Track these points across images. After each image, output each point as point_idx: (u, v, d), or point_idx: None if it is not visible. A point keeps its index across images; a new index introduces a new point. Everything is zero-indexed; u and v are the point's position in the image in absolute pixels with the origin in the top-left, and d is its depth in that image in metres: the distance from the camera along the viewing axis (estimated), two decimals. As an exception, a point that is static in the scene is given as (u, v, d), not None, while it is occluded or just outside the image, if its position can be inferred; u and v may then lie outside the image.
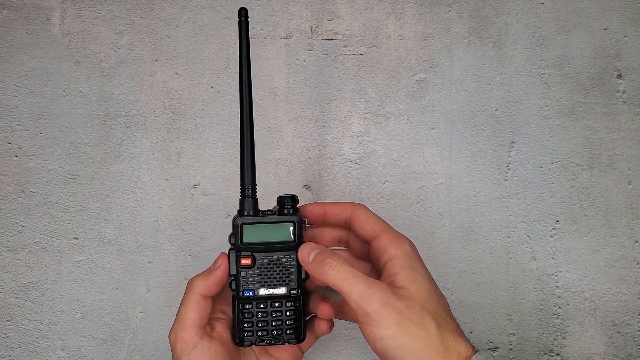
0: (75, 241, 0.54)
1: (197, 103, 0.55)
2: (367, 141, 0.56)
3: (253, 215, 0.43)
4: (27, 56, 0.55)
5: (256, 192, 0.44)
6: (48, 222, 0.54)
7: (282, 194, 0.44)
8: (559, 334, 0.54)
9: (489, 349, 0.55)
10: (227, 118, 0.55)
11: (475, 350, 0.39)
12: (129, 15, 0.55)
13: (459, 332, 0.40)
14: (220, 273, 0.42)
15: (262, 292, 0.43)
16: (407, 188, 0.55)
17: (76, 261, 0.54)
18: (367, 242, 0.45)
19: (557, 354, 0.54)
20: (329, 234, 0.48)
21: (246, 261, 0.43)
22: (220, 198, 0.55)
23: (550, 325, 0.55)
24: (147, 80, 0.55)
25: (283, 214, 0.43)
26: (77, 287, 0.54)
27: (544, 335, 0.54)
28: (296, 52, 0.56)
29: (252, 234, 0.43)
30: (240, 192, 0.43)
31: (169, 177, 0.55)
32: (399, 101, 0.56)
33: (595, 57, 0.56)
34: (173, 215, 0.54)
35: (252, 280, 0.43)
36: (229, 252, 0.43)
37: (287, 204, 0.43)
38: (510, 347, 0.54)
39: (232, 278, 0.43)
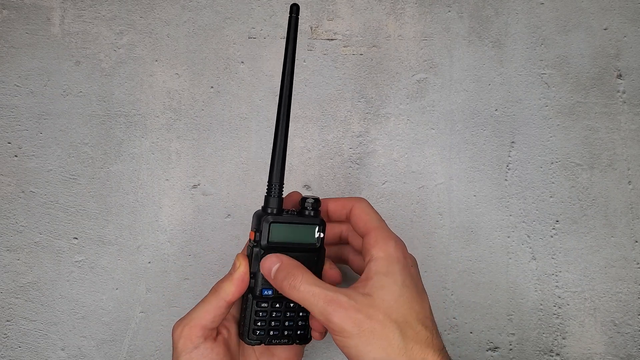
0: (75, 241, 0.54)
1: (197, 103, 0.55)
2: (367, 141, 0.56)
3: (277, 214, 0.42)
4: (27, 56, 0.55)
5: (282, 191, 0.43)
6: (48, 222, 0.54)
7: (305, 195, 0.44)
8: (559, 334, 0.54)
9: (489, 349, 0.55)
10: (227, 118, 0.55)
11: None
12: (129, 15, 0.55)
13: (428, 342, 0.39)
14: (245, 277, 0.42)
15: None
16: (407, 188, 0.55)
17: (76, 261, 0.54)
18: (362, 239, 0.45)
19: (557, 354, 0.54)
20: (329, 229, 0.47)
21: None
22: (220, 198, 0.55)
23: (550, 325, 0.55)
24: (147, 80, 0.55)
25: (304, 215, 0.43)
26: (77, 287, 0.54)
27: (544, 335, 0.54)
28: (296, 52, 0.56)
29: (279, 234, 0.42)
30: (267, 189, 0.43)
31: (169, 177, 0.55)
32: (399, 101, 0.56)
33: (595, 57, 0.56)
34: (173, 215, 0.54)
35: None
36: (250, 250, 0.43)
37: (309, 206, 0.43)
38: (510, 347, 0.54)
39: (251, 276, 0.42)
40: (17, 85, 0.55)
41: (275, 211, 0.42)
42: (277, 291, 0.42)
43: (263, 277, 0.42)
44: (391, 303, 0.39)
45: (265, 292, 0.42)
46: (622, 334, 0.54)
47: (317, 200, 0.43)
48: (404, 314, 0.39)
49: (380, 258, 0.41)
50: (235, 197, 0.55)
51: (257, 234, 0.42)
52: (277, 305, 0.43)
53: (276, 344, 0.43)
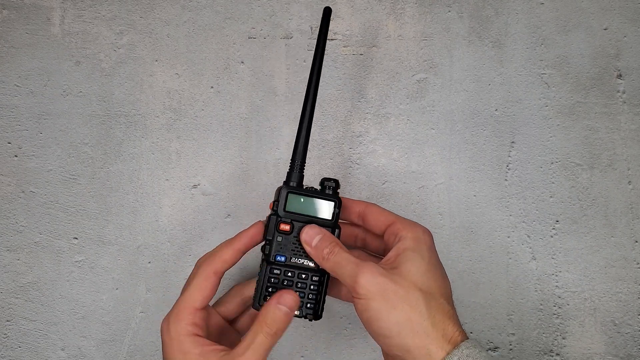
0: (75, 241, 0.54)
1: (197, 103, 0.55)
2: (367, 141, 0.56)
3: (297, 187, 0.45)
4: (27, 56, 0.55)
5: (304, 168, 0.45)
6: (48, 222, 0.54)
7: (325, 177, 0.46)
8: (559, 334, 0.54)
9: (489, 349, 0.55)
10: (227, 118, 0.55)
11: (465, 338, 0.39)
12: (129, 15, 0.56)
13: (450, 315, 0.40)
14: (253, 231, 0.44)
15: (293, 260, 0.44)
16: (407, 188, 0.55)
17: (76, 261, 0.54)
18: (381, 236, 0.46)
19: (557, 354, 0.54)
20: (347, 229, 0.49)
21: (285, 227, 0.44)
22: (220, 198, 0.55)
23: (550, 325, 0.55)
24: (147, 80, 0.55)
25: (323, 193, 0.45)
26: (77, 287, 0.54)
27: (544, 335, 0.54)
28: (296, 52, 0.56)
29: (296, 204, 0.44)
30: (290, 165, 0.45)
31: (169, 177, 0.55)
32: (399, 101, 0.56)
33: (595, 57, 0.56)
34: (173, 215, 0.54)
35: (286, 247, 0.44)
36: (267, 219, 0.45)
37: (329, 186, 0.45)
38: (510, 347, 0.54)
39: (266, 242, 0.44)
40: (17, 85, 0.55)
41: (295, 184, 0.45)
42: (290, 259, 0.44)
43: (279, 243, 0.44)
44: (416, 274, 0.40)
45: (279, 258, 0.44)
46: (622, 334, 0.54)
47: (335, 181, 0.45)
48: (428, 286, 0.40)
49: (409, 238, 0.42)
50: (235, 197, 0.55)
51: (275, 203, 0.44)
52: (289, 274, 0.44)
53: None
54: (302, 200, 0.44)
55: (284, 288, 0.44)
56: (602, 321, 0.55)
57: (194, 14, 0.56)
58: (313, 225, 0.44)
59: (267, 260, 0.44)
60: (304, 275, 0.44)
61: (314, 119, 0.55)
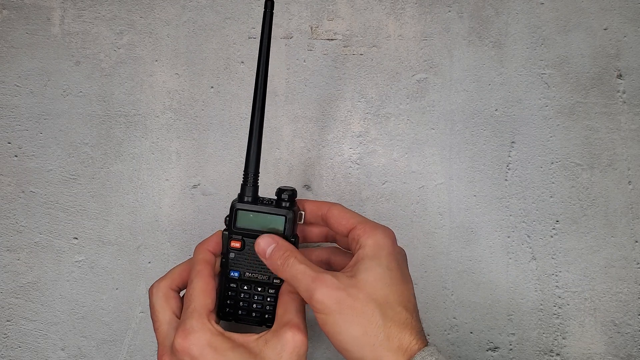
0: (75, 241, 0.54)
1: (197, 103, 0.55)
2: (367, 141, 0.56)
3: (251, 202, 0.44)
4: (27, 56, 0.55)
5: (258, 179, 0.44)
6: (48, 222, 0.54)
7: (282, 186, 0.45)
8: (559, 334, 0.54)
9: (489, 349, 0.55)
10: (227, 118, 0.55)
11: (424, 345, 0.39)
12: (129, 15, 0.56)
13: (407, 323, 0.40)
14: (215, 237, 0.45)
15: (247, 275, 0.44)
16: (407, 188, 0.55)
17: (76, 261, 0.54)
18: (346, 237, 0.45)
19: (557, 354, 0.54)
20: (316, 228, 0.48)
21: (236, 244, 0.44)
22: (220, 198, 0.55)
23: (550, 325, 0.55)
24: (147, 80, 0.55)
25: (280, 206, 0.44)
26: (77, 287, 0.54)
27: (544, 335, 0.54)
28: (296, 52, 0.56)
29: (245, 220, 0.44)
30: (243, 178, 0.44)
31: (169, 177, 0.55)
32: (399, 101, 0.56)
33: (595, 57, 0.56)
34: (173, 215, 0.54)
35: (239, 263, 0.44)
36: (223, 232, 0.45)
37: (285, 197, 0.44)
38: (510, 347, 0.54)
39: (223, 257, 0.45)
40: (17, 85, 0.55)
41: (250, 199, 0.44)
42: (244, 274, 0.44)
43: (232, 260, 0.44)
44: (373, 284, 0.40)
45: (233, 274, 0.44)
46: (622, 334, 0.54)
47: (290, 191, 0.44)
48: (385, 295, 0.40)
49: (368, 245, 0.42)
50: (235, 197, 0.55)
51: (227, 218, 0.44)
52: (245, 288, 0.45)
53: (245, 323, 0.45)
54: (251, 216, 0.44)
55: (242, 301, 0.45)
56: (602, 321, 0.55)
57: (194, 14, 0.56)
58: (267, 234, 0.43)
59: (224, 274, 0.45)
60: (259, 289, 0.45)
61: (314, 119, 0.56)
